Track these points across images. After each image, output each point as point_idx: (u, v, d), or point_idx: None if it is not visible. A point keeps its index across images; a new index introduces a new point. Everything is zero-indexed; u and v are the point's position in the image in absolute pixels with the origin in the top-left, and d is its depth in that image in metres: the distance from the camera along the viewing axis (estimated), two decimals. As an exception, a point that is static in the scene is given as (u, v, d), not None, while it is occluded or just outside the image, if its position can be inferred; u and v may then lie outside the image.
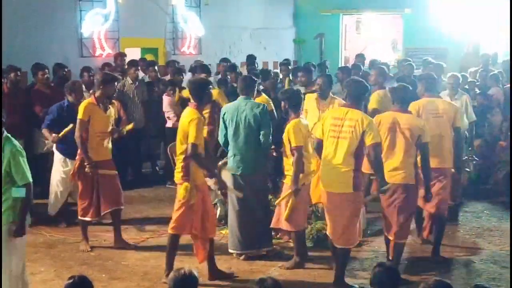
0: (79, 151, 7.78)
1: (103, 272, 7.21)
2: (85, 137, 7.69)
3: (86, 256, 7.69)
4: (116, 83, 8.08)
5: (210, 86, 7.14)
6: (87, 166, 7.70)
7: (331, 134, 6.65)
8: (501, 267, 7.41)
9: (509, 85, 11.92)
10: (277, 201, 7.36)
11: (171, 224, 6.94)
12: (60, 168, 8.68)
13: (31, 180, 5.75)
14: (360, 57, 14.29)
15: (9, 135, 5.76)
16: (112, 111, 8.03)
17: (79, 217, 7.96)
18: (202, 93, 6.86)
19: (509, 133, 10.91)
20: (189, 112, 6.74)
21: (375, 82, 9.51)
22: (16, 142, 5.77)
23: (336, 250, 6.82)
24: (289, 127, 7.16)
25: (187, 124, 6.60)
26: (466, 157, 9.97)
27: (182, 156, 6.69)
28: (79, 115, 7.67)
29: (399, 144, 6.94)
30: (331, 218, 6.76)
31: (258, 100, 9.15)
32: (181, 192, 6.69)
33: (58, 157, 8.67)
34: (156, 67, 11.85)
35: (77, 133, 7.68)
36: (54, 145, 8.66)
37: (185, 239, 8.23)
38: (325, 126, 6.74)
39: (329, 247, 7.00)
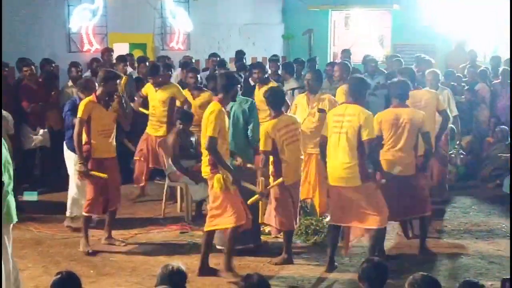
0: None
1: (91, 268, 7.19)
2: (87, 136, 7.55)
3: (74, 252, 7.66)
4: (118, 80, 7.87)
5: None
6: (79, 165, 7.57)
7: (334, 130, 6.87)
8: (488, 262, 7.44)
9: (497, 81, 11.98)
10: (249, 201, 7.10)
11: (230, 219, 6.71)
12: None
13: None
14: (346, 52, 14.30)
15: None
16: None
17: (84, 213, 7.74)
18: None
19: (496, 129, 10.98)
20: (211, 105, 6.74)
21: (339, 77, 9.52)
22: None
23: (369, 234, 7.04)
24: (261, 129, 7.15)
25: (207, 117, 6.59)
26: (453, 151, 10.07)
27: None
28: (79, 114, 7.51)
29: (403, 138, 7.23)
30: (348, 209, 6.93)
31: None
32: (216, 185, 6.63)
33: (72, 156, 8.31)
34: (147, 63, 11.80)
35: (75, 131, 7.54)
36: (65, 144, 8.44)
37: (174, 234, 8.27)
38: (329, 123, 6.97)
39: (340, 238, 7.28)
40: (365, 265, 4.67)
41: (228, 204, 6.71)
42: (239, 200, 6.81)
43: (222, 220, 6.78)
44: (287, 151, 7.10)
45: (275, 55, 14.28)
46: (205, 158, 6.72)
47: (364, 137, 6.69)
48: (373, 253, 6.96)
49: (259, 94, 9.38)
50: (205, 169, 6.76)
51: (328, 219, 8.33)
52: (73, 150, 8.02)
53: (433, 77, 9.37)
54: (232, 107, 7.40)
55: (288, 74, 11.33)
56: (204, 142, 6.68)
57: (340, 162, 6.82)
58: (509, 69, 12.04)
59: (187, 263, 6.74)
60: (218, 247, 7.56)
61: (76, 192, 8.35)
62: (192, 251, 7.74)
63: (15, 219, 6.02)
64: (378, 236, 7.09)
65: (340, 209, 7.05)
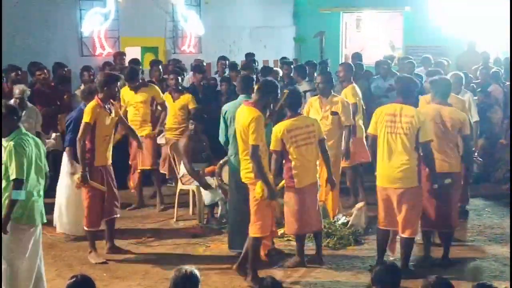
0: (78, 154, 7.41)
1: (104, 271, 7.20)
2: (89, 142, 7.39)
3: (87, 256, 7.66)
4: (118, 83, 7.83)
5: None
6: (81, 175, 7.33)
7: (388, 130, 6.80)
8: (503, 265, 7.39)
9: (509, 83, 11.91)
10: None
11: (254, 228, 6.75)
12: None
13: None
14: (356, 56, 14.27)
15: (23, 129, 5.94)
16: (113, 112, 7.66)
17: (87, 228, 7.51)
18: (268, 93, 6.75)
19: (509, 131, 10.90)
20: (249, 111, 6.63)
21: (344, 78, 9.46)
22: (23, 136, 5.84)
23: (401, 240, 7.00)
24: (274, 129, 7.10)
25: (247, 124, 6.55)
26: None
27: (248, 156, 6.64)
28: (85, 118, 7.31)
29: (443, 135, 7.16)
30: (392, 212, 6.88)
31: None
32: (258, 191, 6.59)
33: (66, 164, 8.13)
34: (160, 66, 11.82)
35: (80, 137, 7.32)
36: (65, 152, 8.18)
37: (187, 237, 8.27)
38: (379, 122, 6.88)
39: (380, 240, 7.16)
40: (378, 268, 4.66)
41: (259, 214, 6.73)
42: (270, 212, 6.81)
43: (250, 227, 6.82)
44: (297, 153, 7.03)
45: (284, 57, 14.27)
46: (247, 164, 6.70)
47: (422, 139, 6.71)
48: (407, 260, 6.99)
49: None
50: (248, 175, 6.75)
51: (340, 221, 8.33)
52: (73, 157, 7.90)
53: (455, 81, 8.66)
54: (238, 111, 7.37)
55: (300, 76, 11.32)
56: (242, 146, 6.68)
57: (397, 163, 6.76)
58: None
59: (200, 266, 6.74)
60: (230, 250, 7.57)
61: (65, 205, 8.11)
62: (205, 253, 7.74)
63: (38, 222, 6.04)
64: (411, 243, 7.06)
65: (390, 213, 6.95)
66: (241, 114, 6.75)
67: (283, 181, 7.15)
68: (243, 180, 6.86)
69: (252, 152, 6.51)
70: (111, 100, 7.59)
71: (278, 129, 7.02)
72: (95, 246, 7.57)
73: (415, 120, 6.69)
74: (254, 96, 6.89)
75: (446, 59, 12.65)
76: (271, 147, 6.99)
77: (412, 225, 6.88)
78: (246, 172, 6.76)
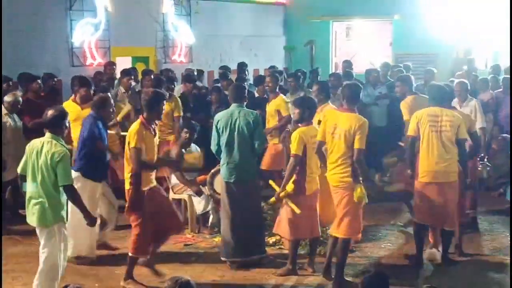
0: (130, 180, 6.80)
1: (96, 281, 7.19)
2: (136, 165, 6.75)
3: (79, 267, 7.64)
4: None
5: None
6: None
7: (432, 129, 7.32)
8: (494, 272, 7.44)
9: (499, 90, 11.98)
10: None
11: (346, 229, 6.92)
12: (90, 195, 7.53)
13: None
14: (347, 63, 14.32)
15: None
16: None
17: (132, 254, 7.00)
18: (357, 97, 7.02)
19: (498, 137, 10.96)
20: (353, 117, 6.85)
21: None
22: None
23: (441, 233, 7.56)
24: (295, 134, 7.14)
25: (356, 129, 6.74)
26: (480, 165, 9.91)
27: (348, 160, 6.78)
28: (133, 143, 6.66)
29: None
30: (437, 208, 7.32)
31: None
32: (360, 195, 6.74)
33: (85, 182, 7.53)
34: (152, 76, 11.83)
35: (136, 165, 6.69)
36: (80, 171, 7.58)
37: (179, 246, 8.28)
38: (421, 124, 7.38)
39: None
40: (365, 276, 4.66)
41: (353, 215, 6.90)
42: (360, 214, 7.03)
43: (339, 229, 6.99)
44: (311, 160, 7.11)
45: (273, 66, 14.30)
46: (346, 168, 6.81)
47: (460, 135, 7.33)
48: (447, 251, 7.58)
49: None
50: (345, 179, 6.81)
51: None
52: (89, 176, 7.58)
53: (461, 88, 9.08)
54: (236, 119, 7.40)
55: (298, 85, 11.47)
56: (342, 151, 6.80)
57: (440, 158, 7.27)
58: (509, 77, 12.06)
59: (192, 275, 6.76)
60: (222, 258, 7.58)
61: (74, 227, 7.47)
62: (197, 262, 7.74)
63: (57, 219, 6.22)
64: (451, 234, 7.58)
65: (429, 208, 7.38)
66: (342, 119, 6.85)
67: (291, 186, 7.14)
68: (336, 184, 6.90)
69: (358, 155, 6.71)
70: (156, 121, 7.12)
71: (302, 133, 7.06)
72: (132, 276, 7.07)
73: (456, 119, 7.33)
74: (342, 101, 7.11)
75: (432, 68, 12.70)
76: (294, 151, 7.00)
77: (452, 218, 7.40)
78: (344, 177, 6.82)
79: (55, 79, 10.93)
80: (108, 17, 13.15)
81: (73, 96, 8.98)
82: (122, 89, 11.21)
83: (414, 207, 7.78)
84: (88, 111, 8.06)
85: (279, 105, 9.53)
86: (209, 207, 8.84)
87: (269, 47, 18.50)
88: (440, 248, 7.66)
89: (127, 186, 6.84)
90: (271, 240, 8.17)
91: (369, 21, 18.76)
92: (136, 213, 6.85)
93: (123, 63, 13.36)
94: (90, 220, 6.38)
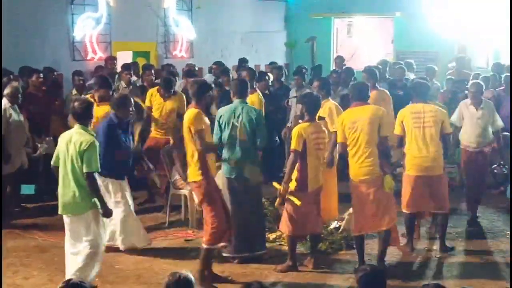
0: (200, 170, 6.88)
1: (96, 276, 7.17)
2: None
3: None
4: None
5: None
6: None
7: (415, 125, 7.63)
8: (494, 270, 7.44)
9: (500, 88, 11.97)
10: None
11: (388, 220, 7.10)
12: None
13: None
14: (339, 59, 14.33)
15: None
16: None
17: (208, 245, 6.96)
18: (366, 94, 7.40)
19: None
20: (372, 108, 7.25)
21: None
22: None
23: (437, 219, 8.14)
24: (295, 129, 7.18)
25: (376, 119, 7.05)
26: (496, 166, 9.94)
27: (375, 151, 7.03)
28: (196, 127, 6.79)
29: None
30: (427, 196, 7.75)
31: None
32: (390, 185, 7.06)
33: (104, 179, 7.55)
34: (152, 71, 11.83)
35: (202, 146, 6.81)
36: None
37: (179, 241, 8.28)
38: (407, 121, 7.67)
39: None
40: (361, 272, 4.62)
41: (389, 205, 7.17)
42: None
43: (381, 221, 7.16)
44: (312, 156, 7.13)
45: (273, 62, 14.29)
46: (373, 160, 7.03)
47: (446, 130, 7.71)
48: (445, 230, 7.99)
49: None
50: (374, 171, 7.04)
51: (332, 226, 8.35)
52: (113, 175, 7.64)
53: (476, 89, 8.95)
54: (239, 115, 7.38)
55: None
56: (374, 141, 7.01)
57: (430, 153, 7.64)
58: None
59: (193, 270, 6.74)
60: (223, 254, 7.57)
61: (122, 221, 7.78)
62: (198, 258, 7.74)
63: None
64: (446, 218, 8.02)
65: (419, 197, 7.75)
66: (361, 112, 7.14)
67: (294, 183, 7.15)
68: (364, 177, 7.05)
69: (384, 142, 7.10)
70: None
71: (301, 129, 7.10)
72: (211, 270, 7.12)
73: (438, 114, 7.70)
74: (351, 99, 7.47)
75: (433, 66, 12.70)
76: (294, 146, 7.05)
77: (445, 202, 7.86)
78: (373, 168, 7.04)
79: (55, 73, 10.92)
80: (110, 11, 13.13)
81: (91, 93, 9.06)
82: (123, 84, 11.22)
83: (403, 198, 7.85)
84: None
85: (254, 102, 9.49)
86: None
87: (270, 43, 18.49)
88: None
89: (196, 177, 6.89)
90: (272, 236, 8.17)
91: (370, 18, 18.75)
92: (212, 202, 6.91)
93: (124, 57, 13.36)
94: (106, 211, 6.55)
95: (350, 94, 7.56)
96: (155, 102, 9.84)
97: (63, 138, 6.50)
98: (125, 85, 11.17)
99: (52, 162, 6.63)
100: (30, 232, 8.63)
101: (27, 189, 9.06)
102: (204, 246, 6.96)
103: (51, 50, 12.14)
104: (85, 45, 12.84)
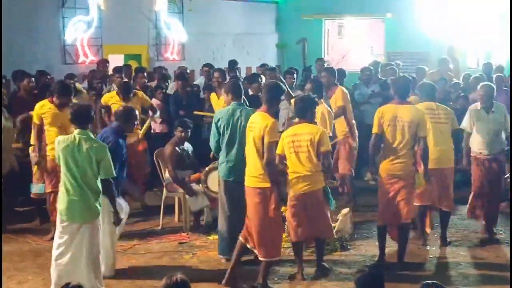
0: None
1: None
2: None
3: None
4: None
5: None
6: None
7: (432, 121, 7.85)
8: (488, 270, 7.47)
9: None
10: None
11: (408, 213, 7.35)
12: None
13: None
14: (320, 61, 14.36)
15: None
16: None
17: (272, 258, 6.84)
18: (407, 90, 7.63)
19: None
20: (414, 109, 7.40)
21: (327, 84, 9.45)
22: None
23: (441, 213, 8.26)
24: (282, 134, 7.12)
25: (416, 121, 7.23)
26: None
27: (411, 149, 7.27)
28: (275, 137, 6.69)
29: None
30: (439, 189, 8.02)
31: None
32: (421, 182, 7.42)
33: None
34: (145, 73, 11.82)
35: (273, 160, 6.70)
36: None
37: (173, 244, 8.25)
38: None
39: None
40: (359, 275, 4.61)
41: (412, 201, 7.46)
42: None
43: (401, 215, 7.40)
44: (289, 160, 7.01)
45: (264, 64, 14.27)
46: (409, 157, 7.27)
47: (455, 126, 8.15)
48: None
49: None
50: (409, 168, 7.28)
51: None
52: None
53: (485, 92, 8.43)
54: (238, 118, 7.35)
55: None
56: (407, 141, 7.20)
57: (448, 147, 8.03)
58: (502, 75, 12.10)
59: (187, 273, 6.72)
60: (219, 256, 7.57)
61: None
62: (192, 261, 7.74)
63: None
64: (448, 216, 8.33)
65: (434, 191, 7.98)
66: (402, 111, 7.28)
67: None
68: (398, 173, 7.25)
69: (424, 143, 7.30)
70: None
71: (283, 133, 7.09)
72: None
73: (450, 112, 8.15)
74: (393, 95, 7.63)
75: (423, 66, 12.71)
76: (278, 151, 6.91)
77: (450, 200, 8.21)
78: (408, 165, 7.26)
79: (48, 77, 10.89)
80: (101, 14, 13.12)
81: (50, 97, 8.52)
82: (114, 87, 11.19)
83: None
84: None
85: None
86: (204, 205, 8.83)
87: (261, 45, 18.50)
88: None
89: (260, 184, 6.72)
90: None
91: (361, 19, 18.79)
92: (278, 211, 6.84)
93: (115, 60, 13.33)
94: (118, 219, 6.71)
95: (392, 90, 7.74)
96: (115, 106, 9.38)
97: (63, 143, 6.39)
98: (117, 88, 11.12)
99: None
100: (24, 236, 8.60)
101: (37, 188, 8.77)
102: (267, 259, 6.79)
103: (43, 53, 12.12)
104: (77, 49, 12.82)
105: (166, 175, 9.05)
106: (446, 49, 15.71)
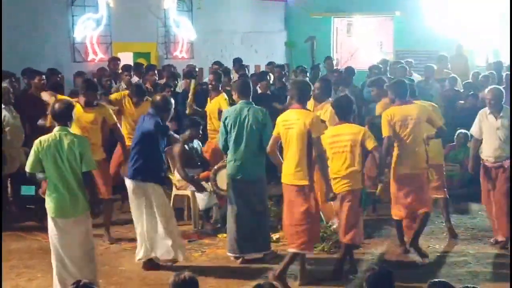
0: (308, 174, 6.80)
1: (100, 277, 7.13)
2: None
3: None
4: None
5: None
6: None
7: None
8: (496, 268, 7.45)
9: (502, 87, 11.96)
10: None
11: (428, 202, 7.61)
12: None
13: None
14: (329, 59, 14.37)
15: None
16: None
17: (301, 250, 6.89)
18: (406, 92, 7.61)
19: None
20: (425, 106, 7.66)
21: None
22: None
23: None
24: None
25: (427, 115, 7.48)
26: None
27: (422, 144, 7.47)
28: (321, 131, 6.90)
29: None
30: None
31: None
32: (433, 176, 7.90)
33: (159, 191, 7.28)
34: (156, 71, 11.83)
35: (320, 153, 6.78)
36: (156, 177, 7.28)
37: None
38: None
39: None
40: (369, 273, 4.59)
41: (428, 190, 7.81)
42: None
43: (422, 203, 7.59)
44: (330, 160, 7.05)
45: (271, 62, 14.28)
46: (422, 154, 7.50)
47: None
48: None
49: None
50: (424, 165, 7.52)
51: (335, 226, 8.33)
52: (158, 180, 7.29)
53: (493, 96, 7.94)
54: (246, 116, 7.36)
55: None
56: (418, 140, 7.45)
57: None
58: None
59: (196, 271, 6.74)
60: (228, 254, 7.58)
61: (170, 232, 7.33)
62: (200, 259, 7.75)
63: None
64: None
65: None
66: (410, 110, 7.45)
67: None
68: (414, 171, 7.41)
69: (443, 132, 7.66)
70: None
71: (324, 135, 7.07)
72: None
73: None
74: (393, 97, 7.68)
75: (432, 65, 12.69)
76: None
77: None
78: (423, 162, 7.49)
79: (59, 75, 10.91)
80: (110, 12, 13.16)
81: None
82: (123, 85, 11.22)
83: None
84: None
85: (222, 103, 9.48)
86: (212, 203, 8.84)
87: (270, 43, 18.49)
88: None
89: (298, 181, 6.78)
90: (275, 236, 8.17)
91: (370, 17, 18.76)
92: (318, 207, 7.01)
93: (124, 58, 13.36)
94: (95, 210, 6.56)
95: (392, 93, 7.69)
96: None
97: (46, 142, 6.28)
98: (125, 86, 11.16)
99: (29, 169, 6.34)
100: (33, 234, 8.62)
101: (27, 190, 8.85)
102: (296, 250, 6.84)
103: (52, 51, 12.16)
104: (86, 46, 12.87)
105: (176, 173, 9.06)
106: (454, 47, 15.64)
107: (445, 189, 8.45)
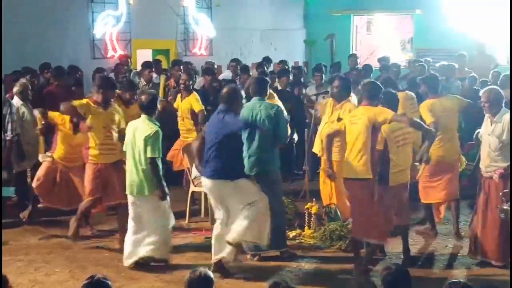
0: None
1: (117, 272, 7.20)
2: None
3: (100, 257, 7.70)
4: None
5: None
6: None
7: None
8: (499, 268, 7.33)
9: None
10: None
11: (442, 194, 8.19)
12: None
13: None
14: (353, 57, 14.31)
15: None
16: None
17: (381, 241, 7.22)
18: (438, 86, 8.33)
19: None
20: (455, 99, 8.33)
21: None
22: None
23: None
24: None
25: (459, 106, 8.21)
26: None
27: (457, 134, 8.23)
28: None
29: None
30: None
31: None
32: (464, 164, 8.44)
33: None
34: (181, 66, 11.84)
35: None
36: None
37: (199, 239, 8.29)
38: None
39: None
40: (385, 272, 4.56)
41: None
42: None
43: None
44: (395, 153, 7.20)
45: (283, 61, 14.22)
46: (457, 143, 8.30)
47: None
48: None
49: None
50: (458, 150, 8.35)
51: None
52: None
53: (487, 99, 7.14)
54: (258, 112, 7.38)
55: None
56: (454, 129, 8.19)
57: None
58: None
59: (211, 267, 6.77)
60: (244, 251, 7.58)
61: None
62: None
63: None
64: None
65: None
66: (446, 103, 8.19)
67: None
68: (448, 158, 8.11)
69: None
70: None
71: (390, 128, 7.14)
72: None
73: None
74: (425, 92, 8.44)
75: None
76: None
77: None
78: (458, 148, 8.30)
79: (79, 72, 10.97)
80: (129, 9, 13.20)
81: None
82: (143, 81, 11.25)
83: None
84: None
85: (192, 103, 9.50)
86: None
87: (289, 40, 18.47)
88: None
89: (366, 175, 6.92)
90: (291, 234, 8.17)
91: (390, 15, 18.68)
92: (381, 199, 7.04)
93: (143, 55, 13.41)
94: (163, 194, 7.15)
95: (424, 87, 8.50)
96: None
97: (130, 127, 7.21)
98: (145, 83, 11.20)
99: (124, 148, 7.28)
100: (50, 229, 8.68)
101: (7, 191, 8.56)
102: (376, 241, 7.10)
103: (71, 48, 12.22)
104: (105, 43, 12.92)
105: (193, 169, 9.06)
106: (475, 45, 15.54)
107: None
